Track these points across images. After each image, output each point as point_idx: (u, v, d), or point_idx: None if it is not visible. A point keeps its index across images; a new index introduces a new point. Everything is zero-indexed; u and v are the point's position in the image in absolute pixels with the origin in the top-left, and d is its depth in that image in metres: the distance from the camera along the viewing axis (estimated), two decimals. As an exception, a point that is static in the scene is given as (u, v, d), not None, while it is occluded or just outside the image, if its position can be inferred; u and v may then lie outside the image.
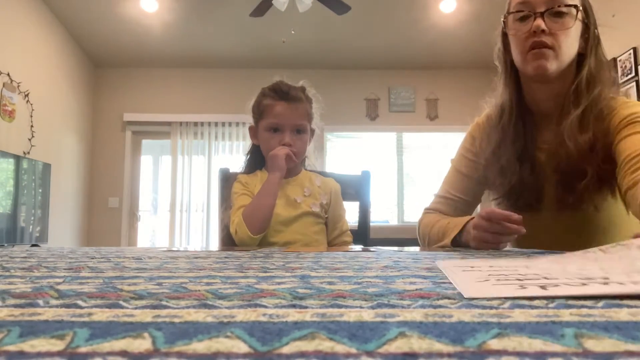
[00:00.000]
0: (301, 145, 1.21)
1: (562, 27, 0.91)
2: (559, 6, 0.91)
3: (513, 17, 0.97)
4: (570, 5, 0.92)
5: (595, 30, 0.96)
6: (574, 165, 0.92)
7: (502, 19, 1.02)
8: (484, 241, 0.87)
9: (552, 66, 0.92)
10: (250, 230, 1.09)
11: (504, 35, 1.03)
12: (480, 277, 0.36)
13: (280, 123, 1.18)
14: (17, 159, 3.61)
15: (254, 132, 1.26)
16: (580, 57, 0.96)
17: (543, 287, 0.29)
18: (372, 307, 0.24)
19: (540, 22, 0.90)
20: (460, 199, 1.15)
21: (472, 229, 0.89)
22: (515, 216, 0.82)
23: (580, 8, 0.94)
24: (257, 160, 1.30)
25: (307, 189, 1.24)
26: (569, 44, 0.93)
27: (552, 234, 1.01)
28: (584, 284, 0.30)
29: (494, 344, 0.17)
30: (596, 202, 0.94)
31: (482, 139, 1.11)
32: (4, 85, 3.62)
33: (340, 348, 0.17)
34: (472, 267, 0.45)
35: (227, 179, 1.36)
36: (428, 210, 1.19)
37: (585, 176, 0.91)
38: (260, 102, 1.23)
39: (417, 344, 0.17)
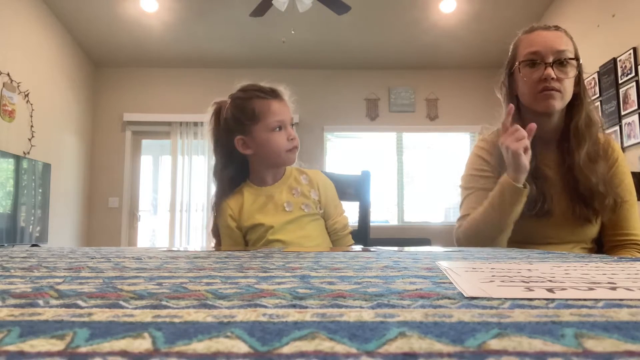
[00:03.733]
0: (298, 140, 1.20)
1: (566, 76, 1.11)
2: (564, 58, 1.11)
3: (524, 64, 1.14)
4: (572, 58, 1.11)
5: (583, 77, 1.16)
6: (592, 188, 1.10)
7: (513, 65, 1.18)
8: (515, 140, 1.03)
9: (559, 105, 1.11)
10: None
11: (509, 75, 1.20)
12: (484, 278, 0.36)
13: (282, 119, 1.15)
14: (17, 159, 3.61)
15: (243, 142, 1.17)
16: (573, 97, 1.15)
17: (550, 290, 0.29)
18: (372, 307, 0.24)
19: (550, 71, 1.09)
20: None
21: (502, 146, 1.07)
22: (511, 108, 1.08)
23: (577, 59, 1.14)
24: (235, 176, 1.23)
25: (296, 189, 1.20)
26: (570, 87, 1.13)
27: (555, 234, 1.14)
28: (591, 289, 0.30)
29: (494, 344, 0.17)
30: (603, 216, 1.13)
31: (492, 158, 1.21)
32: (4, 85, 3.62)
33: (340, 348, 0.17)
34: (474, 268, 0.45)
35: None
36: (461, 223, 1.20)
37: (602, 197, 1.10)
38: (249, 107, 1.16)
39: (417, 344, 0.17)
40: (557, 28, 1.15)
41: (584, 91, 1.15)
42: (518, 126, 1.04)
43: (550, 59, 1.10)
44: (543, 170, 1.14)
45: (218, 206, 1.22)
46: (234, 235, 1.20)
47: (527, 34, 1.16)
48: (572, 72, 1.11)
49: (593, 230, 1.14)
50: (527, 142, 1.03)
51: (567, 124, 1.15)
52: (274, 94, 1.18)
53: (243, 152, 1.18)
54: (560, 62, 1.10)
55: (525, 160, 1.03)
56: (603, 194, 1.10)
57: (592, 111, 1.16)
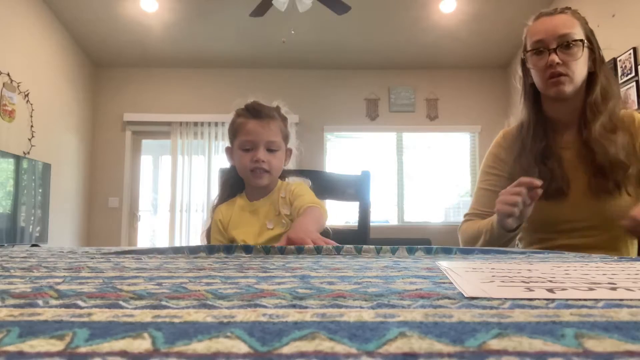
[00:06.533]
0: (275, 163, 1.19)
1: (572, 58, 1.10)
2: (567, 42, 1.10)
3: (531, 53, 1.16)
4: (576, 40, 1.10)
5: (600, 52, 1.14)
6: (612, 159, 1.07)
7: (521, 55, 1.21)
8: (505, 203, 1.00)
9: (569, 89, 1.11)
10: None
11: (523, 63, 1.21)
12: (484, 278, 0.36)
13: (252, 140, 1.17)
14: (17, 159, 3.61)
15: (230, 152, 1.26)
16: (591, 76, 1.14)
17: (550, 291, 0.29)
18: (372, 307, 0.24)
19: (554, 57, 1.09)
20: (488, 212, 1.21)
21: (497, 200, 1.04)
22: (537, 182, 0.98)
23: (585, 39, 1.11)
24: (235, 184, 1.28)
25: (278, 205, 1.23)
26: (580, 68, 1.11)
27: (577, 216, 1.12)
28: (591, 289, 0.30)
29: (494, 344, 0.17)
30: (628, 188, 1.09)
31: (505, 153, 1.24)
32: (4, 85, 3.62)
33: (340, 348, 0.17)
34: (474, 268, 0.45)
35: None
36: (465, 219, 1.27)
37: (625, 166, 1.06)
38: (234, 122, 1.22)
39: (417, 344, 0.17)
40: (563, 11, 1.15)
41: (599, 66, 1.13)
42: (519, 188, 0.99)
43: (554, 45, 1.10)
44: (557, 152, 1.14)
45: (214, 209, 1.28)
46: (223, 240, 1.23)
47: (533, 22, 1.18)
48: (579, 53, 1.10)
49: (614, 205, 1.08)
50: (513, 209, 0.99)
51: (585, 103, 1.14)
52: (256, 114, 1.19)
53: (229, 161, 1.27)
54: (566, 46, 1.10)
55: (508, 223, 1.03)
56: (625, 162, 1.06)
57: (611, 85, 1.14)
